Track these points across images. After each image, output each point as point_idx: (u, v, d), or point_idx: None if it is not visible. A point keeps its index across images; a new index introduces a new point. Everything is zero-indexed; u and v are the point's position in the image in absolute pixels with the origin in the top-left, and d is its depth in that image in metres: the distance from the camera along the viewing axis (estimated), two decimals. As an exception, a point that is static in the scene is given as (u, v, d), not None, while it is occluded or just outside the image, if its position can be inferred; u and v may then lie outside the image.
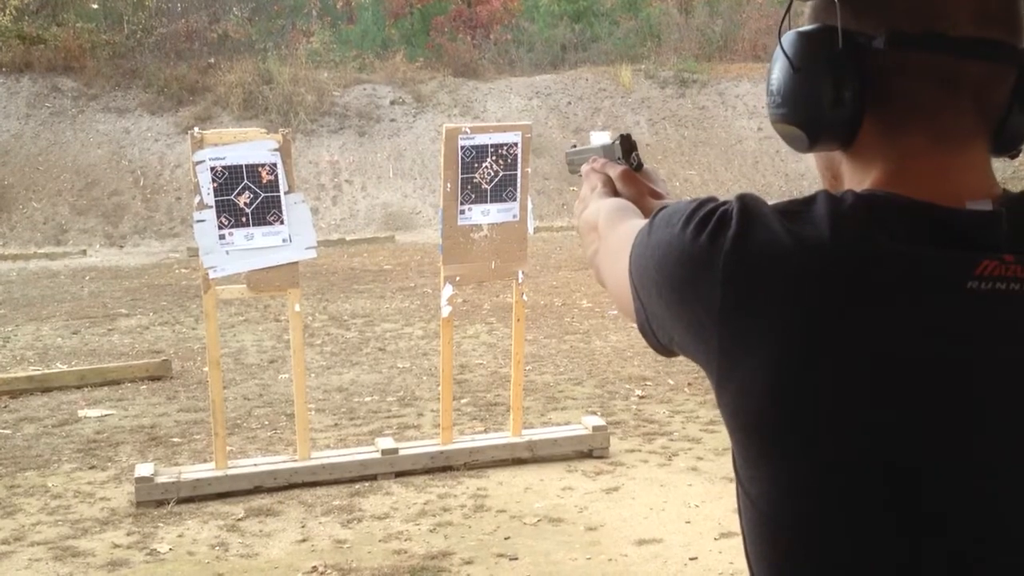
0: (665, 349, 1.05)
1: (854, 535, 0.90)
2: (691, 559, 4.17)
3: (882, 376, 0.88)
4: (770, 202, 0.95)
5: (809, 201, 0.93)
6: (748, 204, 0.94)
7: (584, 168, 1.48)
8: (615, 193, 1.35)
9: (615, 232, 1.17)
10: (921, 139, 0.94)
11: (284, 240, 4.96)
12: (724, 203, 0.95)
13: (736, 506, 1.02)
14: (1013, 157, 0.99)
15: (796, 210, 0.93)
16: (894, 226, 0.89)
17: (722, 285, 0.91)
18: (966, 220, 0.90)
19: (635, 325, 1.07)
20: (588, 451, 5.48)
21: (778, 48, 0.99)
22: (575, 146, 1.67)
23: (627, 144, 1.42)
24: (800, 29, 0.99)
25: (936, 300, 0.88)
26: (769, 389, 0.90)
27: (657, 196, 1.35)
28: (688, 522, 4.56)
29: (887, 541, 0.89)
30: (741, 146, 19.30)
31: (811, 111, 0.96)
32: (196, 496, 4.94)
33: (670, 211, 0.99)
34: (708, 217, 0.94)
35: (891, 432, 0.88)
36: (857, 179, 0.98)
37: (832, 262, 0.88)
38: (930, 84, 0.93)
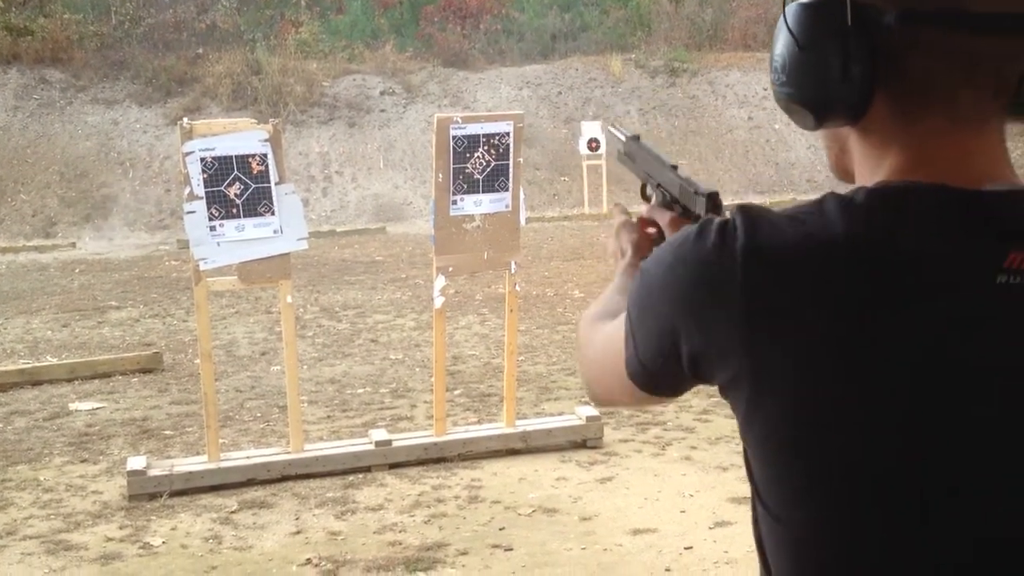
0: (671, 389, 1.01)
1: (890, 550, 0.87)
2: (686, 548, 4.17)
3: (915, 380, 0.84)
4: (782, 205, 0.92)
5: (818, 203, 0.90)
6: (751, 212, 0.90)
7: (618, 219, 1.34)
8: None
9: (609, 325, 1.08)
10: (940, 120, 0.90)
11: (275, 231, 4.93)
12: (724, 218, 0.91)
13: (751, 517, 0.99)
14: None
15: (807, 211, 0.89)
16: (913, 219, 0.86)
17: (742, 301, 0.87)
18: (990, 203, 0.87)
19: (622, 393, 1.03)
20: (582, 441, 5.47)
21: (781, 20, 0.94)
22: (638, 138, 1.47)
23: (713, 204, 1.24)
24: (805, 1, 0.93)
25: (965, 296, 0.85)
26: (804, 400, 0.86)
27: None
28: (683, 511, 4.56)
29: (924, 553, 0.87)
30: (732, 135, 19.29)
31: (818, 90, 0.91)
32: (189, 489, 4.92)
33: (668, 243, 0.95)
34: (712, 235, 0.89)
35: (927, 439, 0.85)
36: (871, 160, 0.94)
37: (850, 262, 0.85)
38: (947, 63, 0.88)
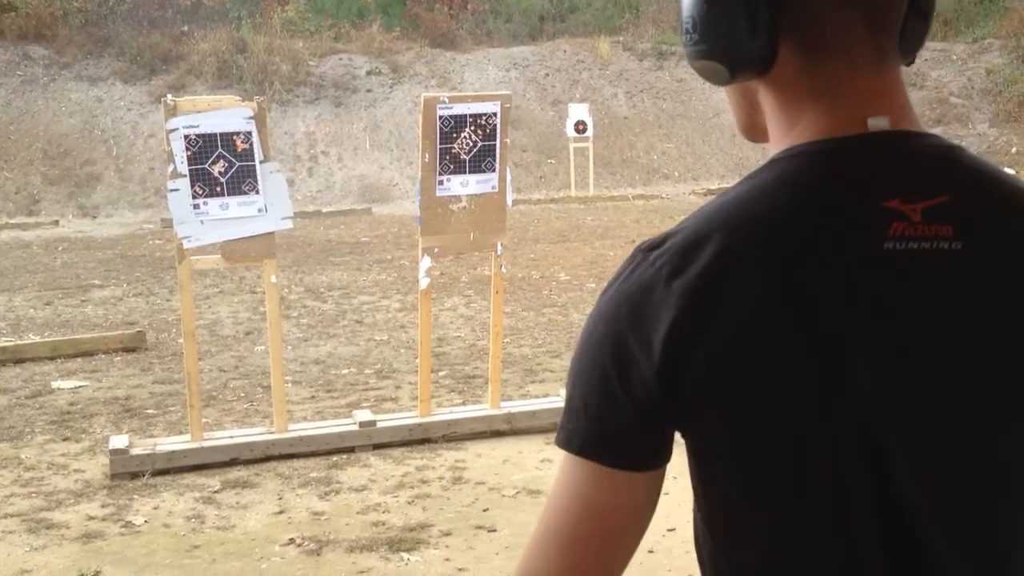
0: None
1: (835, 535, 0.89)
2: (669, 530, 4.17)
3: (838, 366, 0.86)
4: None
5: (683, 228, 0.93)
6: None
7: None
8: None
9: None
10: (842, 65, 0.92)
11: (260, 210, 4.90)
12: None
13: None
14: (909, 64, 0.97)
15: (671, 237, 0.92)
16: (807, 194, 0.89)
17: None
18: (879, 157, 0.90)
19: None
20: (566, 423, 5.47)
21: None
22: None
23: None
24: None
25: (856, 270, 0.87)
26: (754, 405, 0.89)
27: None
28: (666, 493, 4.50)
29: (865, 539, 0.88)
30: (719, 119, 19.29)
31: (730, 44, 0.93)
32: (171, 468, 4.90)
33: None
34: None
35: (859, 425, 0.87)
36: (785, 117, 0.95)
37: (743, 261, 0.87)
38: (833, 5, 0.90)
